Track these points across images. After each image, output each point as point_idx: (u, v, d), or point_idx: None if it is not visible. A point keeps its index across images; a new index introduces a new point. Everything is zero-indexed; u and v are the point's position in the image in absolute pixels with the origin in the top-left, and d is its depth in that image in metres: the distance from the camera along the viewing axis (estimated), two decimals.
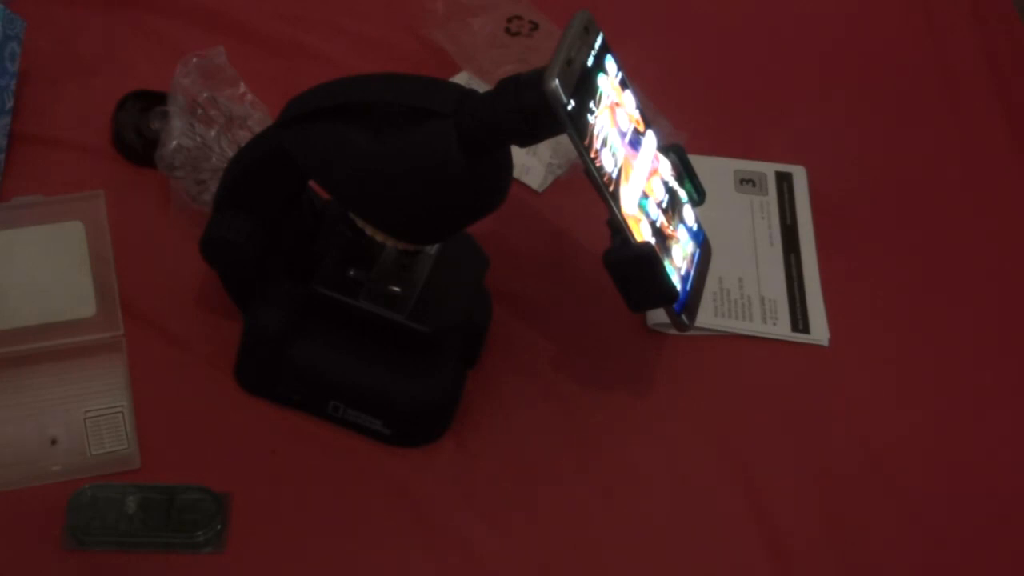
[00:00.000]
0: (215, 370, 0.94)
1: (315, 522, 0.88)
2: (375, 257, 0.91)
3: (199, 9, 1.15)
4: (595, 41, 0.83)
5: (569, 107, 0.78)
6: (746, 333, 1.01)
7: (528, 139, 0.80)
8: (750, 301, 1.03)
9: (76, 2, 1.14)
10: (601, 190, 0.83)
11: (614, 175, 0.84)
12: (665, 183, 0.92)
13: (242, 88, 1.03)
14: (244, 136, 1.00)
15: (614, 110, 0.85)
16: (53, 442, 0.89)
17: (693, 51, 1.22)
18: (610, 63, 0.85)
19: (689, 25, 1.24)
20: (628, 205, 0.85)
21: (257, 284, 0.92)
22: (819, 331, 1.02)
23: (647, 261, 0.85)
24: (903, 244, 1.09)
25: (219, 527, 0.86)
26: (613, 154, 0.84)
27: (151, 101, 1.05)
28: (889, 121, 1.18)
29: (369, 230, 0.84)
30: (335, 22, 1.17)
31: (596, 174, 0.82)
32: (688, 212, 0.95)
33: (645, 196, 0.88)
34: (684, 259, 0.92)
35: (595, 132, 0.82)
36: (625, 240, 0.85)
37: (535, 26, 1.17)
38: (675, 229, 0.92)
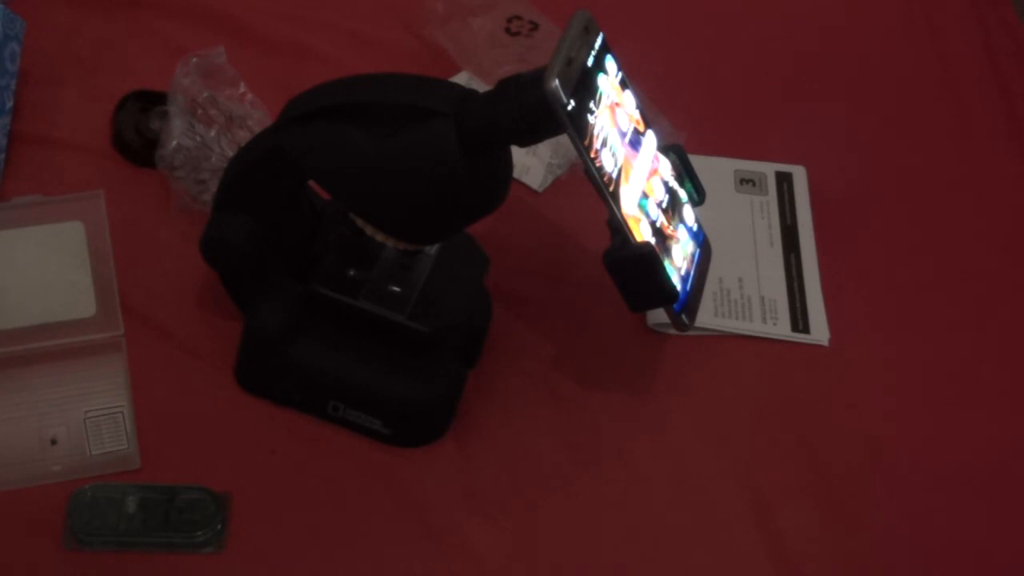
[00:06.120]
0: (215, 370, 0.93)
1: (315, 522, 0.88)
2: (375, 257, 0.91)
3: (199, 9, 1.15)
4: (595, 41, 0.83)
5: (569, 107, 0.78)
6: (746, 333, 1.01)
7: (528, 139, 0.80)
8: (750, 301, 1.03)
9: (76, 2, 1.14)
10: (601, 190, 0.83)
11: (614, 175, 0.84)
12: (665, 183, 0.92)
13: (242, 88, 1.03)
14: (244, 136, 1.00)
15: (614, 110, 0.85)
16: (53, 442, 0.89)
17: (693, 51, 1.22)
18: (610, 63, 0.85)
19: (689, 25, 1.24)
20: (628, 205, 0.85)
21: (257, 284, 0.92)
22: (819, 331, 1.02)
23: (647, 261, 0.85)
24: (903, 244, 1.09)
25: (219, 527, 0.86)
26: (613, 154, 0.84)
27: (151, 101, 1.05)
28: (889, 121, 1.18)
29: (369, 230, 0.84)
30: (335, 22, 1.17)
31: (596, 174, 0.82)
32: (688, 212, 0.95)
33: (645, 196, 0.88)
34: (684, 259, 0.92)
35: (595, 132, 0.82)
36: (625, 240, 0.85)
37: (535, 26, 1.17)
38: (675, 229, 0.92)
